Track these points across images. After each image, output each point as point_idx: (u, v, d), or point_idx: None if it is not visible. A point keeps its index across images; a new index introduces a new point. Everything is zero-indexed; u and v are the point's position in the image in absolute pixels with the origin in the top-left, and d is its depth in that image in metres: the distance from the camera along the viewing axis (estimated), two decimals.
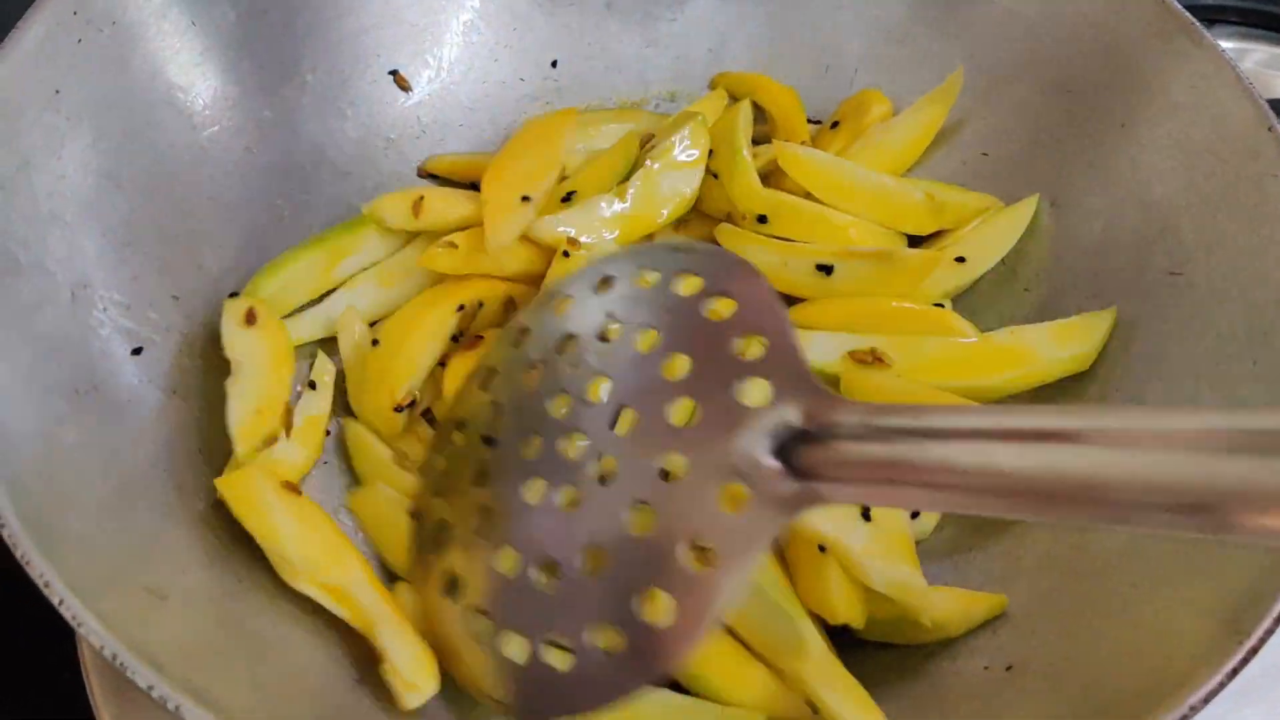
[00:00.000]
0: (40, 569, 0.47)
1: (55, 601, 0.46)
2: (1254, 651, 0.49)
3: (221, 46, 0.75)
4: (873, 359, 0.69)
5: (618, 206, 0.75)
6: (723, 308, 0.55)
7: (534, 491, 0.56)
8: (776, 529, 0.47)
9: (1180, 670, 0.50)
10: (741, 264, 0.57)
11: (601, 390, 0.57)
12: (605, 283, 0.62)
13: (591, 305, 0.61)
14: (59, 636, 0.68)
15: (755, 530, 0.47)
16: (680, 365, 0.54)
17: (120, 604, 0.49)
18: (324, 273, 0.76)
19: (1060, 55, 0.79)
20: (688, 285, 0.57)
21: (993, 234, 0.78)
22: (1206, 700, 0.48)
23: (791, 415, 0.48)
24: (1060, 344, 0.70)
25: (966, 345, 0.71)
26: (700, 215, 0.80)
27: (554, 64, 0.89)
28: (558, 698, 0.51)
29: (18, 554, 0.47)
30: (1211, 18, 1.06)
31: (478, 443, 0.62)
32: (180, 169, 0.72)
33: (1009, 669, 0.59)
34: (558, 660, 0.52)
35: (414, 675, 0.56)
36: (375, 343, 0.72)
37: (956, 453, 0.42)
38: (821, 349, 0.70)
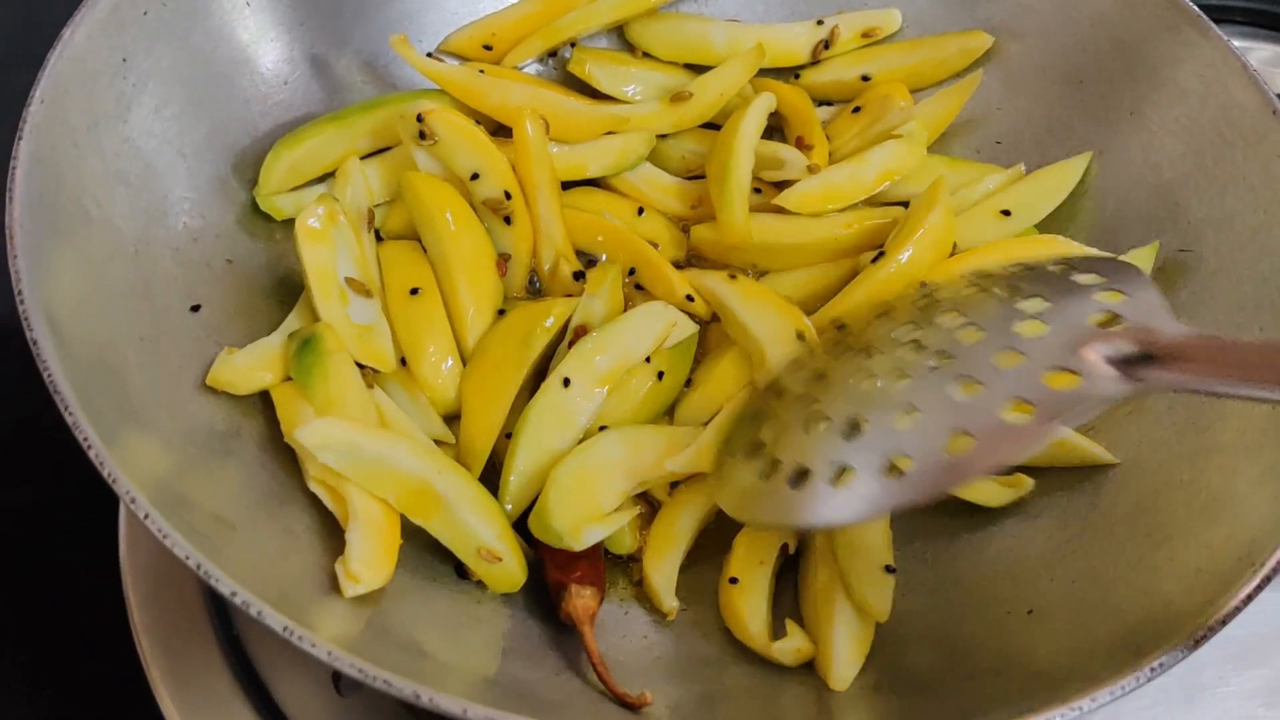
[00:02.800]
0: (125, 486, 0.50)
1: (141, 515, 0.49)
2: (1267, 580, 0.52)
3: (275, 27, 0.79)
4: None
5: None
6: (1086, 277, 0.59)
7: (862, 378, 0.61)
8: (1103, 399, 0.52)
9: (1197, 601, 0.53)
10: (1119, 261, 0.64)
11: (950, 318, 0.61)
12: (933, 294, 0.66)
13: (955, 286, 0.66)
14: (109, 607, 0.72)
15: (1082, 397, 0.52)
16: (1037, 304, 0.59)
17: (194, 524, 0.52)
18: (342, 148, 0.79)
19: (1072, 47, 0.83)
20: (1059, 268, 0.62)
21: (1040, 189, 0.81)
22: (1224, 622, 0.51)
23: (1141, 335, 0.53)
24: None
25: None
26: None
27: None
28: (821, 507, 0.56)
29: (104, 471, 0.50)
30: (1216, 17, 1.08)
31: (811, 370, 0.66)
32: (235, 139, 0.75)
33: (1030, 612, 0.62)
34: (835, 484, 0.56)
35: (361, 567, 0.59)
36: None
37: None
38: None
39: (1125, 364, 0.52)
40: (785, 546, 0.69)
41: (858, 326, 0.68)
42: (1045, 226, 0.80)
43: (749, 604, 0.66)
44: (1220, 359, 0.50)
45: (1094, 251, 0.66)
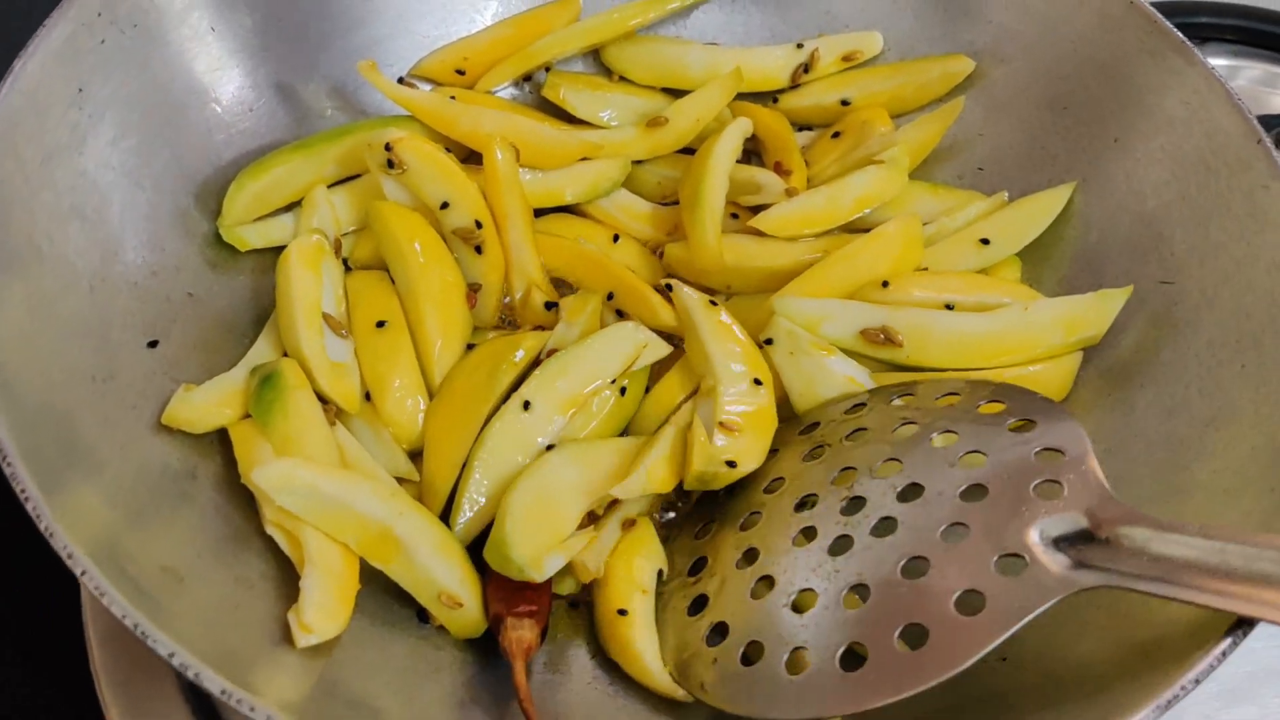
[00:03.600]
0: (63, 540, 0.48)
1: (78, 572, 0.47)
2: (1244, 633, 0.50)
3: (240, 53, 0.77)
4: (884, 339, 0.71)
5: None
6: (1024, 427, 0.61)
7: (804, 536, 0.62)
8: (1050, 598, 0.52)
9: (1172, 654, 0.52)
10: (1048, 401, 0.63)
11: (890, 469, 0.62)
12: (901, 397, 0.68)
13: (885, 410, 0.67)
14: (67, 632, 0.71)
15: (1030, 593, 0.52)
16: (975, 461, 0.60)
17: (138, 579, 0.50)
18: (308, 177, 0.77)
19: (1056, 73, 0.81)
20: (991, 408, 0.63)
21: (1021, 217, 0.79)
22: (1198, 680, 0.49)
23: (1080, 517, 0.54)
24: (1070, 328, 0.72)
25: (975, 329, 0.72)
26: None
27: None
28: (772, 700, 0.56)
29: (41, 525, 0.48)
30: (1206, 35, 1.08)
31: (753, 494, 0.67)
32: (198, 169, 0.74)
33: (1004, 659, 0.60)
34: (791, 668, 0.56)
35: (315, 616, 0.57)
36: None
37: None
38: (838, 324, 0.72)
39: (1068, 544, 0.53)
40: (660, 572, 0.67)
41: (792, 468, 0.67)
42: (1027, 255, 0.79)
43: (640, 636, 0.63)
44: (1152, 552, 0.51)
45: (1026, 392, 0.66)
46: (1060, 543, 0.54)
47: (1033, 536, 0.54)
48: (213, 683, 0.45)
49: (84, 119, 0.66)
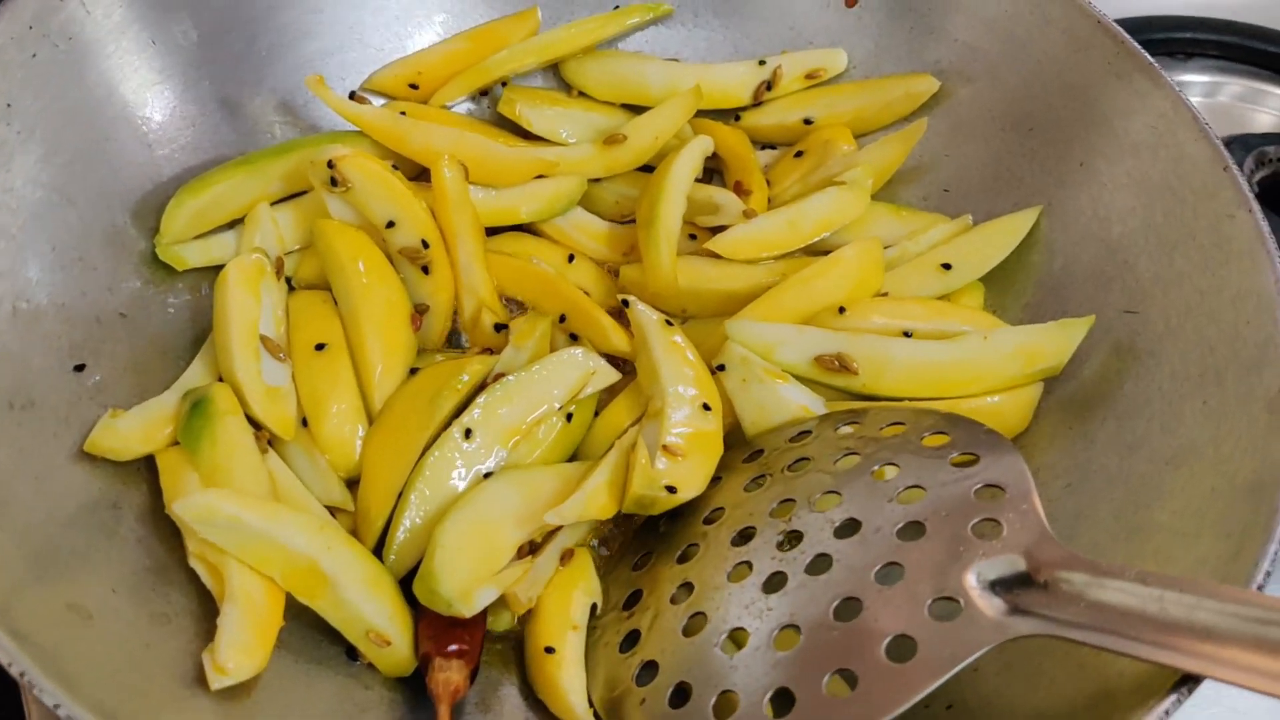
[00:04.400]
0: None
1: None
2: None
3: (182, 65, 0.75)
4: (839, 366, 0.69)
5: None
6: (967, 461, 0.59)
7: (739, 571, 0.60)
8: (982, 646, 0.50)
9: (1126, 703, 0.50)
10: (993, 434, 0.61)
11: (829, 502, 0.60)
12: (848, 425, 0.66)
13: (830, 439, 0.65)
14: None
15: (963, 639, 0.50)
16: (915, 496, 0.58)
17: (37, 620, 0.48)
18: (252, 194, 0.75)
19: (1022, 94, 0.79)
20: (934, 440, 0.61)
21: (985, 242, 0.77)
22: None
23: (1018, 560, 0.52)
24: (1031, 358, 0.70)
25: (933, 357, 0.70)
26: None
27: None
28: None
29: None
30: (1190, 50, 1.05)
31: (692, 525, 0.65)
32: (135, 185, 0.72)
33: (949, 708, 0.58)
34: (719, 712, 0.54)
35: (232, 654, 0.55)
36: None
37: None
38: (792, 350, 0.70)
39: (1005, 588, 0.52)
40: (595, 607, 0.65)
41: (733, 497, 0.65)
42: (990, 281, 0.77)
43: (568, 676, 0.61)
44: (1089, 599, 0.49)
45: (971, 424, 0.63)
46: (997, 586, 0.52)
47: (969, 579, 0.52)
48: None
49: (12, 135, 0.64)
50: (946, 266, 0.76)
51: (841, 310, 0.72)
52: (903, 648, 0.51)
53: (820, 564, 0.57)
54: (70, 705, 0.44)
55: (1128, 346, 0.69)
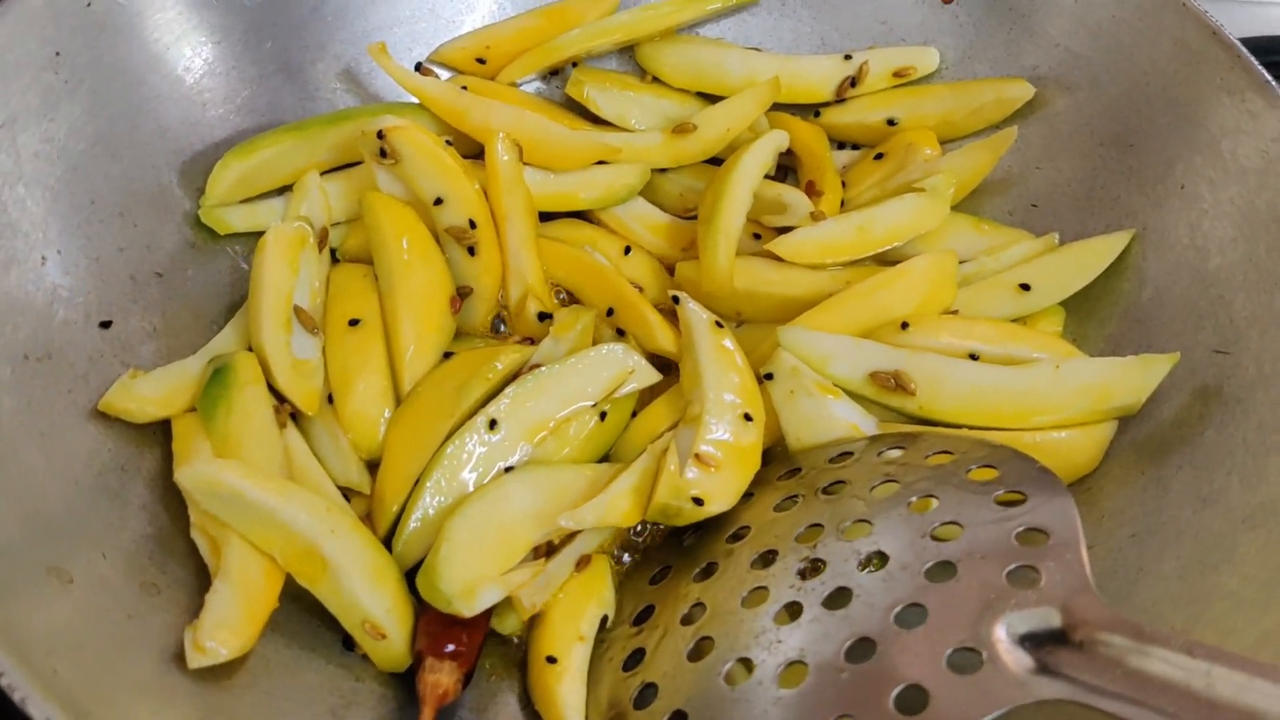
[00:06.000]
0: None
1: None
2: None
3: (243, 25, 0.74)
4: (895, 385, 0.64)
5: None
6: (1014, 500, 0.54)
7: (755, 596, 0.56)
8: (1001, 707, 0.45)
9: None
10: (1046, 472, 0.56)
11: (859, 531, 0.57)
12: (893, 450, 0.62)
13: (871, 463, 0.61)
14: None
15: (980, 697, 0.46)
16: (951, 533, 0.54)
17: (7, 583, 0.47)
18: (301, 161, 0.74)
19: (1124, 107, 0.73)
20: (982, 474, 0.57)
21: (1069, 264, 0.71)
22: None
23: (1054, 614, 0.47)
24: (1105, 394, 0.64)
25: (997, 383, 0.65)
26: None
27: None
28: None
29: None
30: None
31: (716, 541, 0.62)
32: (185, 144, 0.70)
33: None
34: None
35: (217, 632, 0.53)
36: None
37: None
38: (847, 363, 0.66)
39: (1036, 644, 0.47)
40: (605, 618, 0.61)
41: (761, 516, 0.61)
42: (1072, 307, 0.71)
43: (567, 689, 0.58)
44: (1129, 666, 0.44)
45: (1024, 459, 0.58)
46: (1027, 641, 0.47)
47: (997, 630, 0.47)
48: (38, 709, 0.41)
49: (59, 84, 0.63)
50: (1025, 287, 0.70)
51: (905, 326, 0.67)
52: (914, 699, 0.47)
53: (839, 598, 0.53)
54: (14, 673, 0.42)
55: (1214, 390, 0.63)
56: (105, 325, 0.63)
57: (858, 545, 0.55)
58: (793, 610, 0.54)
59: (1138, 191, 0.71)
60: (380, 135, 0.70)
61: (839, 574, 0.54)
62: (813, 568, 0.56)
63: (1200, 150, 0.68)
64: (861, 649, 0.50)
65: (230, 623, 0.54)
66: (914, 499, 0.57)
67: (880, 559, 0.54)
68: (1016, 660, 0.47)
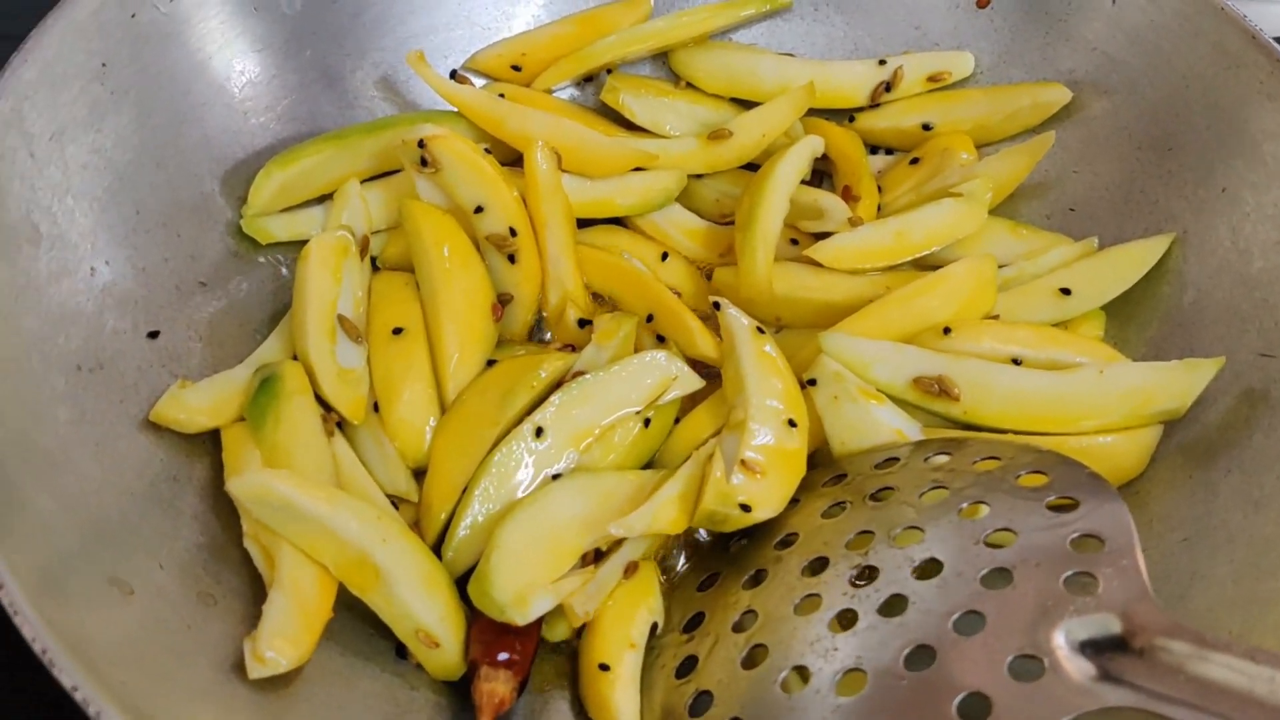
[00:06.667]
0: None
1: None
2: None
3: (284, 34, 0.74)
4: (939, 390, 0.64)
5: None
6: (1065, 506, 0.54)
7: (808, 604, 0.56)
8: (1066, 714, 0.45)
9: None
10: (1096, 478, 0.56)
11: (910, 538, 0.57)
12: (940, 455, 0.62)
13: (919, 469, 0.61)
14: None
15: (1044, 704, 0.46)
16: (1005, 540, 0.54)
17: (73, 594, 0.47)
18: (341, 170, 0.74)
19: (1163, 111, 0.73)
20: (1032, 480, 0.57)
21: (1110, 268, 0.71)
22: None
23: (1113, 621, 0.47)
24: (1150, 398, 0.64)
25: (1042, 388, 0.65)
26: None
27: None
28: None
29: None
30: None
31: (764, 548, 0.62)
32: (227, 153, 0.71)
33: None
34: None
35: (275, 642, 0.53)
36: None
37: None
38: (890, 368, 0.66)
39: (1096, 651, 0.47)
40: (655, 625, 0.61)
41: (809, 523, 0.61)
42: (1113, 311, 0.71)
43: (622, 697, 0.57)
44: (1190, 672, 0.44)
45: (1073, 465, 0.58)
46: (1087, 648, 0.47)
47: (1057, 637, 0.47)
48: None
49: (106, 95, 0.64)
50: (1065, 291, 0.70)
51: (946, 331, 0.67)
52: (976, 707, 0.47)
53: (895, 605, 0.53)
54: (87, 688, 0.42)
55: (1260, 394, 0.63)
56: (153, 335, 0.63)
57: (910, 552, 0.55)
58: (847, 618, 0.54)
59: (1177, 195, 0.71)
60: (421, 144, 0.70)
61: (893, 581, 0.54)
62: (865, 575, 0.56)
63: (1241, 154, 0.68)
64: (920, 656, 0.50)
65: (288, 633, 0.54)
66: (964, 505, 0.56)
67: (934, 566, 0.54)
68: (1078, 668, 0.47)
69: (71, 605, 0.46)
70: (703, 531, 0.67)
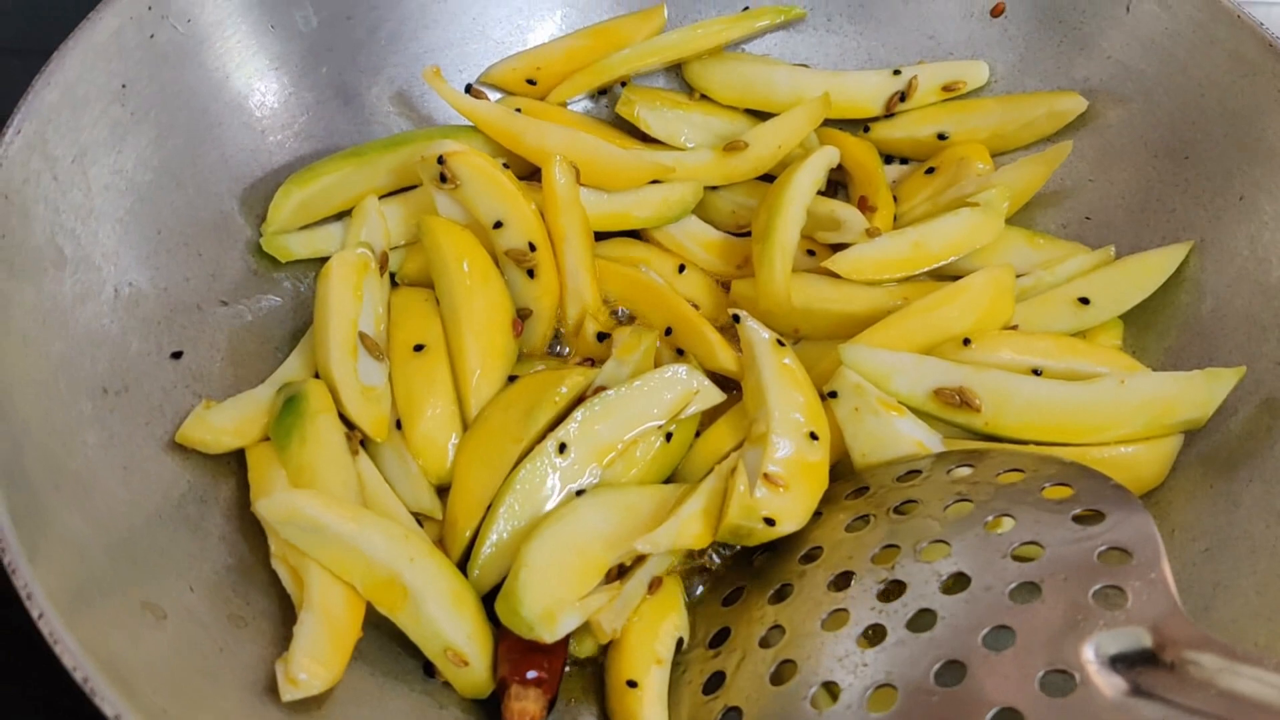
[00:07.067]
0: (25, 578, 0.45)
1: (34, 615, 0.44)
2: None
3: (300, 51, 0.74)
4: (960, 401, 0.64)
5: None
6: (1091, 518, 0.54)
7: (835, 619, 0.56)
8: None
9: None
10: (1121, 490, 0.56)
11: (937, 552, 0.57)
12: (963, 468, 0.62)
13: (942, 482, 0.61)
14: None
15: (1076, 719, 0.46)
16: (1031, 553, 0.54)
17: (109, 619, 0.47)
18: (360, 187, 0.74)
19: (1179, 119, 0.73)
20: (1056, 492, 0.57)
21: (1128, 277, 0.71)
22: None
23: (1144, 635, 0.47)
24: (1171, 408, 0.64)
25: (1063, 399, 0.65)
26: None
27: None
28: None
29: (4, 559, 0.45)
30: None
31: (788, 562, 0.62)
32: (245, 172, 0.71)
33: None
34: None
35: (307, 664, 0.53)
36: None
37: None
38: (910, 380, 0.66)
39: (1127, 665, 0.47)
40: (681, 641, 0.62)
41: (833, 536, 0.61)
42: (1131, 320, 0.71)
43: (650, 713, 0.58)
44: (1221, 686, 0.44)
45: (1097, 476, 0.58)
46: (1118, 662, 0.47)
47: (1087, 652, 0.47)
48: None
49: (126, 116, 0.64)
50: (1084, 301, 0.71)
51: (966, 342, 0.67)
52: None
53: (924, 620, 0.53)
54: (130, 716, 0.42)
55: None
56: (176, 356, 0.63)
57: (937, 566, 0.55)
58: (875, 633, 0.54)
59: (1194, 204, 0.71)
60: (440, 160, 0.70)
61: (921, 596, 0.54)
62: (893, 590, 0.56)
63: (1259, 161, 0.68)
64: (951, 672, 0.50)
65: (319, 654, 0.54)
66: (990, 518, 0.57)
67: (962, 580, 0.54)
68: (1109, 682, 0.47)
69: (106, 629, 0.46)
70: (714, 555, 0.67)
